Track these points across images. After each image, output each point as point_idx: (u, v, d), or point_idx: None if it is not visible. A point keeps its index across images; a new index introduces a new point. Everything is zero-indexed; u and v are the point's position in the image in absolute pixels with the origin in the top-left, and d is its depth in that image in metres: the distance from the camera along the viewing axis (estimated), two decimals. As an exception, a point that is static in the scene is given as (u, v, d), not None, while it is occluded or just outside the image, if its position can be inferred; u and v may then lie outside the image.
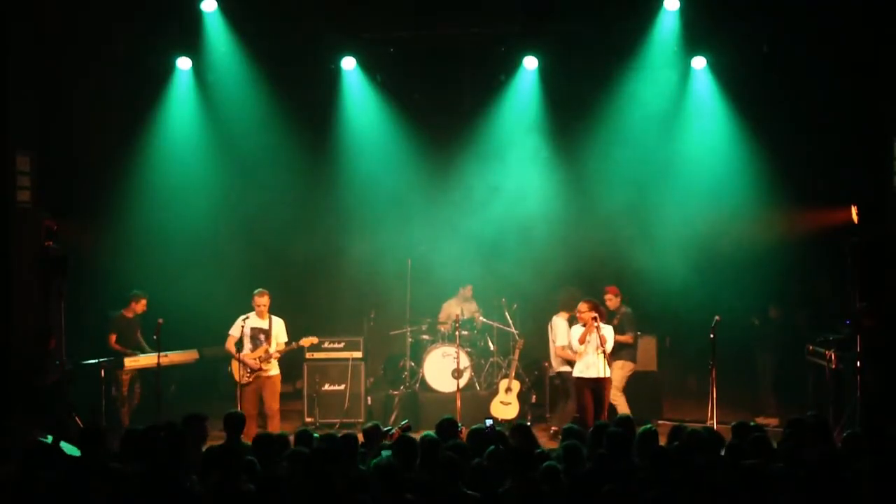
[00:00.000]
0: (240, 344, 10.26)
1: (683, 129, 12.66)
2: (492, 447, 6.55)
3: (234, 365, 10.30)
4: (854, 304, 10.27)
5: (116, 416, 10.96)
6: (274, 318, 10.44)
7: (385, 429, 7.79)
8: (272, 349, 10.31)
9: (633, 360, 11.11)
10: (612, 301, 11.08)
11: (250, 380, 10.22)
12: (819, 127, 11.79)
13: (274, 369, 10.39)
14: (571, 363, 10.29)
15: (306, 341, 10.73)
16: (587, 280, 11.90)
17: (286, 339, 10.46)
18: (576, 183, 12.77)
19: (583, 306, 9.95)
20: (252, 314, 10.34)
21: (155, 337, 10.36)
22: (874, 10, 10.65)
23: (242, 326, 10.22)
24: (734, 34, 11.81)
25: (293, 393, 12.69)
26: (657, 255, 12.14)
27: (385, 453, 6.61)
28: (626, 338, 10.87)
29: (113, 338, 11.33)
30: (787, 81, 11.89)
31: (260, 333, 10.32)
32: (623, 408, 10.70)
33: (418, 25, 12.28)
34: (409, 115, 13.05)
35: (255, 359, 10.23)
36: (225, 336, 10.40)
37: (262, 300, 10.33)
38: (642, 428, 7.17)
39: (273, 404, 10.32)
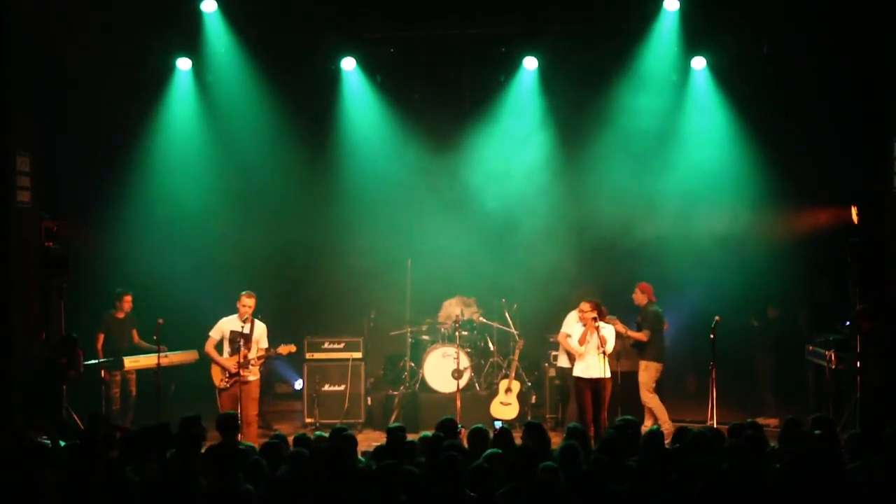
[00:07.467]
0: (219, 347, 9.97)
1: (683, 129, 12.66)
2: (490, 450, 6.52)
3: (214, 369, 9.96)
4: (854, 304, 10.26)
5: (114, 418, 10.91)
6: (256, 322, 9.95)
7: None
8: (252, 354, 9.87)
9: (657, 359, 10.93)
10: (638, 297, 11.10)
11: (229, 385, 9.85)
12: (819, 127, 11.79)
13: (253, 375, 9.92)
14: (570, 358, 10.29)
15: (284, 349, 10.18)
16: (586, 281, 11.92)
17: (266, 346, 10.03)
18: (576, 184, 12.76)
19: (584, 306, 9.90)
20: (233, 317, 9.94)
21: (155, 337, 10.34)
22: (874, 10, 10.64)
23: (222, 329, 9.91)
24: (734, 34, 11.82)
25: (293, 394, 12.70)
26: (656, 255, 12.13)
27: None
28: (640, 335, 10.86)
29: (100, 338, 11.18)
30: (787, 81, 11.90)
31: (239, 338, 9.85)
32: (656, 408, 10.72)
33: (418, 25, 12.29)
34: (409, 115, 13.04)
35: (234, 363, 9.80)
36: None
37: (250, 301, 9.85)
38: (648, 429, 7.14)
39: (250, 411, 9.86)
